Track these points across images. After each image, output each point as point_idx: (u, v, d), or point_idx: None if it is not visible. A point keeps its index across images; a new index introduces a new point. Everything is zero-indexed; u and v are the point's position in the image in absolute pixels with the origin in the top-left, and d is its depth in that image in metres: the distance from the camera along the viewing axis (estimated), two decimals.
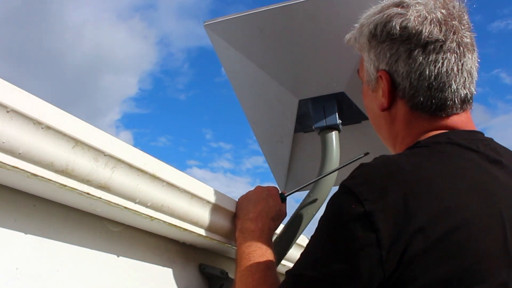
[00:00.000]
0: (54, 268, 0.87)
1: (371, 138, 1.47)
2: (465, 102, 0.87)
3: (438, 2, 0.87)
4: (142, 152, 0.93)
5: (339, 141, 1.36)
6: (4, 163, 0.72)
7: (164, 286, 1.14)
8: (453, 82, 0.85)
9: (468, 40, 0.87)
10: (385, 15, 0.88)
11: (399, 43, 0.86)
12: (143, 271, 1.08)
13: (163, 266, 1.15)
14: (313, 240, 0.78)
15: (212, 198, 1.12)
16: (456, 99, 0.85)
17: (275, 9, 1.23)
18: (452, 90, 0.85)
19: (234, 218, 1.19)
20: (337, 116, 1.35)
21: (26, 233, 0.84)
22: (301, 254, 0.80)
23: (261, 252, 1.00)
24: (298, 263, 0.79)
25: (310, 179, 1.32)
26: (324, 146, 1.35)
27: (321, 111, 1.36)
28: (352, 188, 0.74)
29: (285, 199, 1.20)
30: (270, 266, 0.97)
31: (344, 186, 0.76)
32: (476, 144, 0.82)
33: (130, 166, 0.90)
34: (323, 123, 1.35)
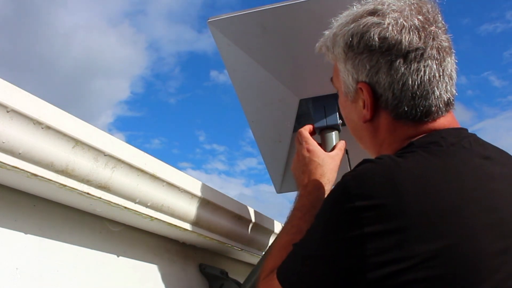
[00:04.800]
0: (54, 268, 0.87)
1: None
2: (448, 104, 0.87)
3: (412, 8, 0.85)
4: (142, 152, 0.93)
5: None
6: (4, 163, 0.71)
7: (164, 286, 1.14)
8: (436, 89, 0.84)
9: (446, 44, 0.86)
10: (361, 25, 0.85)
11: (379, 54, 0.84)
12: (143, 271, 1.08)
13: (163, 266, 1.15)
14: (314, 221, 0.82)
15: (212, 198, 1.12)
16: (440, 104, 0.85)
17: (279, 8, 1.22)
18: (436, 96, 0.84)
19: (234, 218, 1.19)
20: (337, 116, 1.35)
21: (26, 233, 0.84)
22: (307, 230, 0.84)
23: (299, 215, 1.02)
24: (301, 239, 0.84)
25: None
26: (324, 146, 1.35)
27: (321, 110, 1.36)
28: (348, 181, 0.75)
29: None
30: (302, 230, 0.94)
31: (342, 178, 0.77)
32: (468, 141, 0.83)
33: (130, 166, 0.90)
34: (323, 122, 1.35)
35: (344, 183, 0.75)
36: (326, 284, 0.74)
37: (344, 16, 0.90)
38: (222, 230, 1.18)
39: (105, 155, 0.84)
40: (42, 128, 0.74)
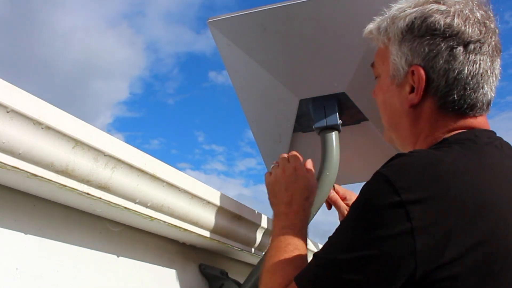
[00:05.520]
0: (54, 268, 0.87)
1: (370, 139, 1.47)
2: (488, 104, 0.89)
3: (475, 3, 0.88)
4: (142, 153, 0.93)
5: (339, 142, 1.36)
6: (4, 163, 0.71)
7: (164, 286, 1.14)
8: (485, 85, 0.86)
9: (498, 45, 0.89)
10: (427, 10, 0.86)
11: (441, 39, 0.85)
12: (143, 271, 1.08)
13: (163, 266, 1.15)
14: (344, 224, 0.78)
15: (212, 198, 1.12)
16: (484, 101, 0.87)
17: (279, 8, 1.22)
18: (484, 92, 0.86)
19: (234, 218, 1.18)
20: (337, 116, 1.35)
21: (26, 233, 0.84)
22: (330, 238, 0.80)
23: (293, 234, 1.00)
24: (326, 246, 0.79)
25: None
26: (324, 146, 1.34)
27: (321, 111, 1.36)
28: (389, 176, 0.73)
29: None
30: (299, 248, 0.96)
31: (379, 174, 0.75)
32: (500, 142, 0.85)
33: (130, 166, 0.90)
34: (323, 123, 1.35)
35: (385, 177, 0.73)
36: (374, 285, 0.71)
37: (404, 2, 0.91)
38: (222, 230, 1.18)
39: (105, 155, 0.84)
40: (42, 128, 0.74)
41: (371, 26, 0.98)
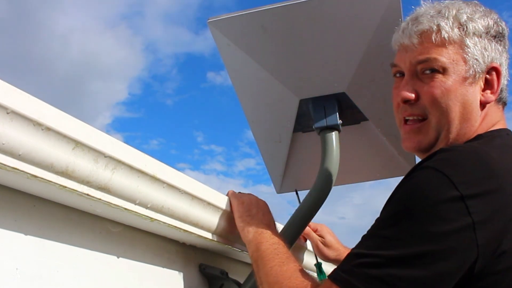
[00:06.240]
0: (54, 268, 0.87)
1: (370, 139, 1.47)
2: None
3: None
4: (142, 154, 0.93)
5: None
6: (4, 164, 0.71)
7: (164, 287, 1.14)
8: None
9: None
10: (495, 16, 0.95)
11: (504, 43, 0.96)
12: (143, 272, 1.08)
13: (163, 266, 1.15)
14: (390, 220, 0.75)
15: (212, 200, 1.12)
16: None
17: (279, 8, 1.22)
18: None
19: (234, 219, 1.18)
20: (337, 116, 1.35)
21: (26, 234, 0.84)
22: (369, 235, 0.76)
23: (286, 250, 1.04)
24: (368, 243, 0.76)
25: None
26: (324, 146, 1.35)
27: (321, 111, 1.36)
28: (443, 170, 0.73)
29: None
30: (296, 262, 0.99)
31: (431, 168, 0.74)
32: None
33: (131, 167, 0.89)
34: (323, 123, 1.35)
35: (439, 172, 0.73)
36: (436, 280, 0.69)
37: (463, 5, 0.96)
38: (223, 231, 1.18)
39: (105, 157, 0.84)
40: (42, 129, 0.74)
41: (439, 20, 0.93)
